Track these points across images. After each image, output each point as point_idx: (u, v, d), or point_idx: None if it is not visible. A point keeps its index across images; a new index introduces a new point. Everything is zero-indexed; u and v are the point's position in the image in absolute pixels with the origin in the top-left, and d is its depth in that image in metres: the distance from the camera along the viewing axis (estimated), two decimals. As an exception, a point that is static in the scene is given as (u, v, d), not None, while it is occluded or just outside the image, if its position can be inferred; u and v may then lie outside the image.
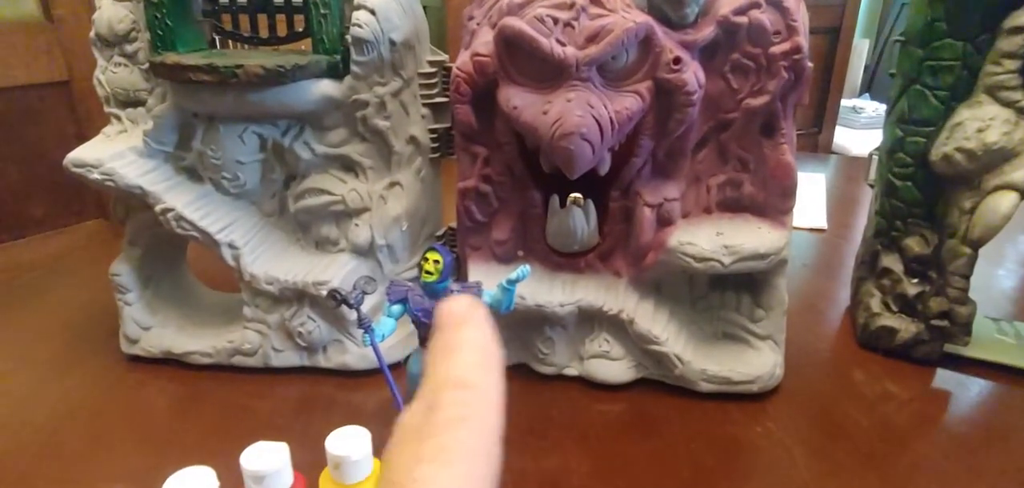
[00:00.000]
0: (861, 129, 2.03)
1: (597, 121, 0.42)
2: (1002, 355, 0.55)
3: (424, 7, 0.54)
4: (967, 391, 0.53)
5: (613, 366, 0.52)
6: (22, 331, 0.64)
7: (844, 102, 1.95)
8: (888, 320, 0.55)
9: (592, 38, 0.42)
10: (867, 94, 2.30)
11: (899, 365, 0.56)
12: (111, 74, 0.52)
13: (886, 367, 0.56)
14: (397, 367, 0.51)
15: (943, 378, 0.54)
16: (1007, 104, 0.45)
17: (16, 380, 0.56)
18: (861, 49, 2.23)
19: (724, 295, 0.52)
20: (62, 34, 1.14)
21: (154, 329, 0.57)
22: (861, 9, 1.85)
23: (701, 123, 0.47)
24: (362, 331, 0.41)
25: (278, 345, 0.54)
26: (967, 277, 0.51)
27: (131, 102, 0.53)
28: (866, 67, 2.31)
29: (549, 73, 0.43)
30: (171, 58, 0.47)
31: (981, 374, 0.54)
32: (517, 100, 0.44)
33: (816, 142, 1.88)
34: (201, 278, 0.64)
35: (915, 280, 0.54)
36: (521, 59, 0.44)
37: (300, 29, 0.52)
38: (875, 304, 0.57)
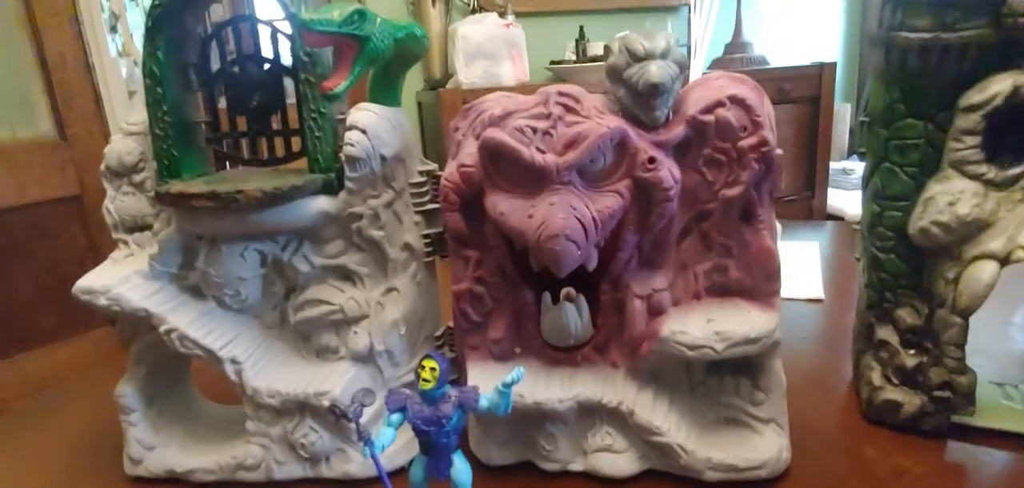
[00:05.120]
0: (853, 189, 2.06)
1: (580, 221, 0.43)
2: (1011, 422, 0.54)
3: (419, 103, 0.57)
4: (979, 462, 0.52)
5: (618, 459, 0.51)
6: (26, 452, 0.64)
7: (833, 165, 2.00)
8: (891, 394, 0.55)
9: (570, 144, 0.44)
10: (855, 155, 2.35)
11: (909, 439, 0.55)
12: (120, 202, 0.55)
13: (896, 442, 0.55)
14: (399, 474, 0.51)
15: (954, 450, 0.53)
16: (974, 178, 0.47)
17: (18, 510, 0.56)
18: (843, 113, 2.30)
19: (722, 380, 0.52)
20: (75, 151, 1.19)
21: (157, 449, 0.57)
22: (838, 74, 1.92)
23: (682, 214, 0.48)
24: (362, 444, 0.41)
25: (281, 457, 0.54)
26: (961, 346, 0.51)
27: (138, 227, 0.56)
28: (851, 130, 2.37)
29: (531, 179, 0.45)
30: (176, 187, 0.50)
31: (993, 443, 0.53)
32: (503, 206, 0.46)
33: (810, 207, 1.91)
34: (203, 389, 0.65)
35: (912, 351, 0.54)
36: (504, 167, 0.46)
37: (296, 150, 0.55)
38: (876, 377, 0.56)
